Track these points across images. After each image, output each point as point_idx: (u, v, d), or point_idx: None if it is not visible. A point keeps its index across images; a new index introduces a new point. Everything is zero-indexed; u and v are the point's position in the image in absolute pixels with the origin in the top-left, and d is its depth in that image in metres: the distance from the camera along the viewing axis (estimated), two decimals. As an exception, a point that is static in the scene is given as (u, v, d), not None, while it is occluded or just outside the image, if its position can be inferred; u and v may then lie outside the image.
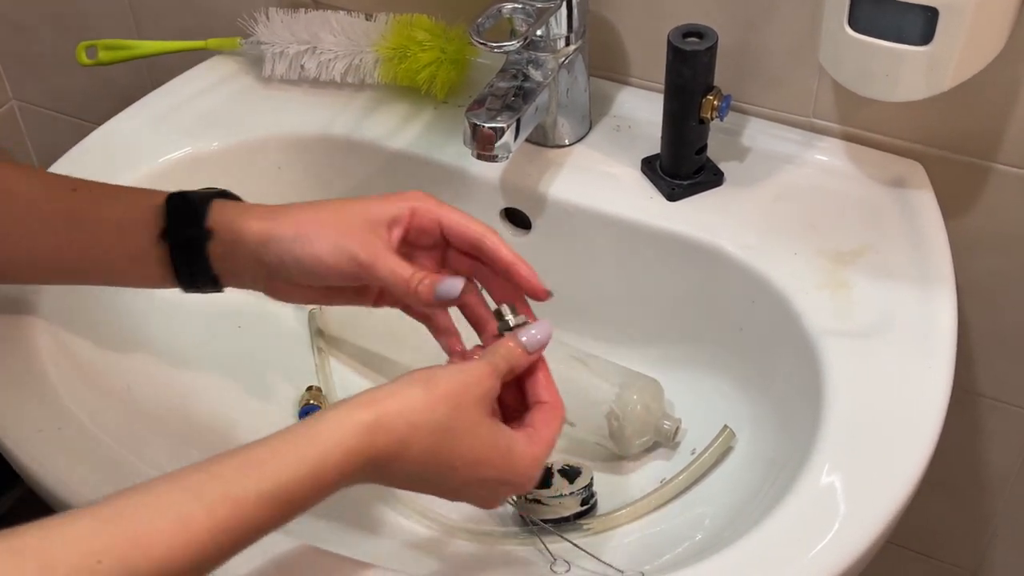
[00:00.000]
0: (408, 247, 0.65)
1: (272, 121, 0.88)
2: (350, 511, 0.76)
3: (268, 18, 0.89)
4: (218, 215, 0.64)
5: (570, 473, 0.75)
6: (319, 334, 0.87)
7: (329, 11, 0.88)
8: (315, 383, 0.84)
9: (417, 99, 0.89)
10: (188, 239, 0.64)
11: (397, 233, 0.64)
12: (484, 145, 0.74)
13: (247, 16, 0.90)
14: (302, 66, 0.89)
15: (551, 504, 0.73)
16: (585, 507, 0.74)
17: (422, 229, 0.64)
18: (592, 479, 0.75)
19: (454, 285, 0.62)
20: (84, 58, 0.93)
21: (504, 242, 0.64)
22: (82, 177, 0.69)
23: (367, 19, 0.88)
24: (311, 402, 0.81)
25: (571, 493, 0.73)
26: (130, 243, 0.65)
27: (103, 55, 0.92)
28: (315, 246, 0.62)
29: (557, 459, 0.76)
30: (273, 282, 0.66)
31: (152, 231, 0.64)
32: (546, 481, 0.74)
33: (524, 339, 0.62)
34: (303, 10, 0.90)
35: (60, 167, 0.84)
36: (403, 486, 0.58)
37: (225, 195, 0.67)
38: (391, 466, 0.55)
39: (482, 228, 0.64)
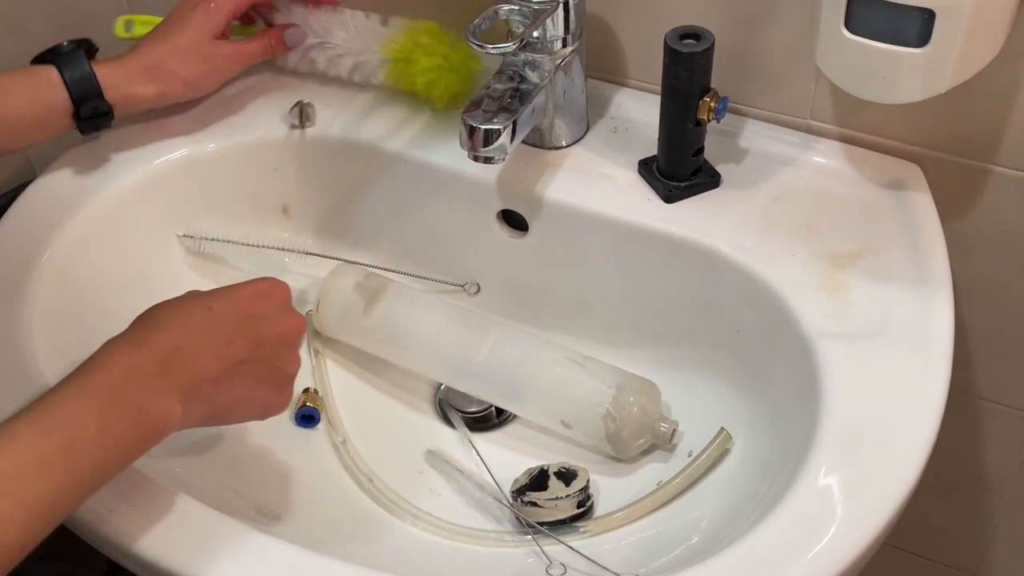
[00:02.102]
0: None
1: (269, 122, 0.88)
2: (345, 515, 0.76)
3: (290, 10, 0.89)
4: (112, 91, 0.79)
5: (566, 476, 0.75)
6: (315, 336, 0.87)
7: (347, 10, 0.88)
8: (312, 385, 0.83)
9: (414, 102, 0.89)
10: (96, 118, 0.79)
11: (225, 30, 0.84)
12: (480, 147, 0.74)
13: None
14: (313, 59, 0.89)
15: (547, 507, 0.73)
16: (581, 510, 0.74)
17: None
18: (588, 482, 0.75)
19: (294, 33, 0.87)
20: (121, 31, 0.93)
21: None
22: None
23: (382, 22, 0.87)
24: (308, 404, 0.81)
25: (567, 496, 0.73)
26: (45, 129, 0.79)
27: (139, 30, 0.92)
28: (205, 86, 0.85)
29: (553, 462, 0.76)
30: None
31: (64, 118, 0.78)
32: (542, 484, 0.74)
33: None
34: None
35: (57, 167, 0.84)
36: (185, 354, 0.60)
37: (87, 48, 0.80)
38: (157, 330, 0.60)
39: None
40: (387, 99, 0.90)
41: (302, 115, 0.87)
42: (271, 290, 0.66)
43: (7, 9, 1.15)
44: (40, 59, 0.80)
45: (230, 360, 0.62)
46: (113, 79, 0.79)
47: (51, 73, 0.77)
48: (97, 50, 0.82)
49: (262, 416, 0.68)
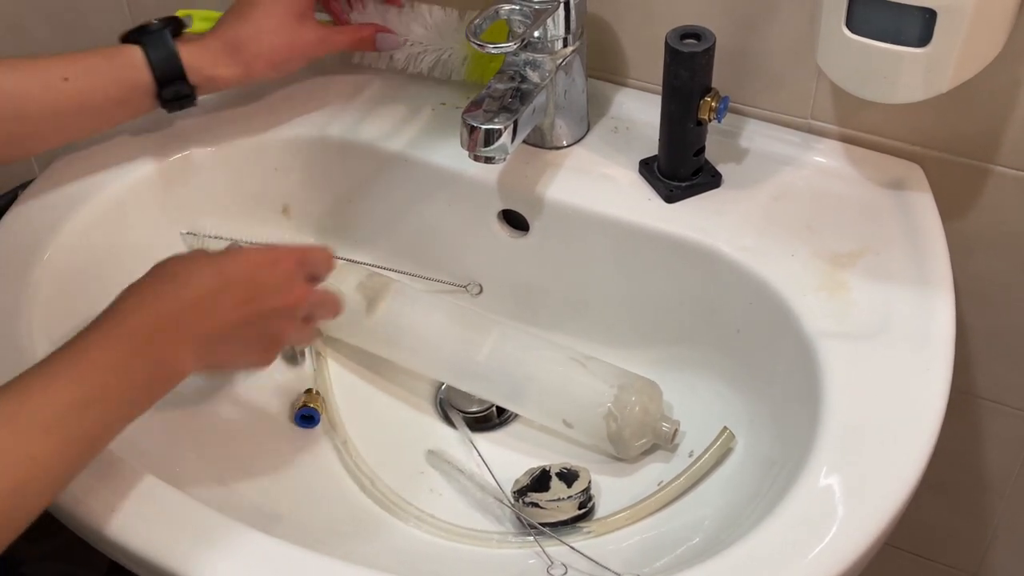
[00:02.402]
0: None
1: (269, 122, 0.88)
2: (346, 515, 0.76)
3: (364, 6, 0.88)
4: (194, 73, 0.79)
5: (568, 476, 0.75)
6: (316, 336, 0.86)
7: (424, 5, 0.88)
8: (312, 386, 0.83)
9: (415, 101, 0.89)
10: (179, 99, 0.80)
11: (308, 9, 0.82)
12: (481, 147, 0.74)
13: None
14: (391, 56, 0.89)
15: (549, 507, 0.73)
16: (583, 510, 0.74)
17: None
18: (590, 482, 0.75)
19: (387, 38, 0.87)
20: None
21: None
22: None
23: (460, 17, 0.87)
24: (308, 405, 0.81)
25: (569, 497, 0.73)
26: (129, 110, 0.79)
27: (198, 25, 0.91)
28: (288, 69, 0.83)
29: (555, 462, 0.76)
30: None
31: (147, 99, 0.79)
32: (544, 484, 0.74)
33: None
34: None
35: (58, 167, 0.84)
36: (194, 314, 0.63)
37: (174, 27, 0.79)
38: (176, 283, 0.63)
39: None
40: (385, 98, 0.90)
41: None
42: (282, 259, 0.68)
43: (7, 9, 1.15)
44: (127, 38, 0.79)
45: (234, 323, 0.65)
46: (196, 60, 0.78)
47: (136, 53, 0.77)
48: (185, 28, 0.81)
49: (246, 371, 0.75)
